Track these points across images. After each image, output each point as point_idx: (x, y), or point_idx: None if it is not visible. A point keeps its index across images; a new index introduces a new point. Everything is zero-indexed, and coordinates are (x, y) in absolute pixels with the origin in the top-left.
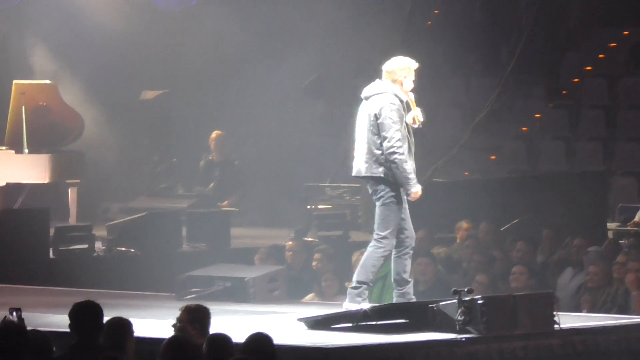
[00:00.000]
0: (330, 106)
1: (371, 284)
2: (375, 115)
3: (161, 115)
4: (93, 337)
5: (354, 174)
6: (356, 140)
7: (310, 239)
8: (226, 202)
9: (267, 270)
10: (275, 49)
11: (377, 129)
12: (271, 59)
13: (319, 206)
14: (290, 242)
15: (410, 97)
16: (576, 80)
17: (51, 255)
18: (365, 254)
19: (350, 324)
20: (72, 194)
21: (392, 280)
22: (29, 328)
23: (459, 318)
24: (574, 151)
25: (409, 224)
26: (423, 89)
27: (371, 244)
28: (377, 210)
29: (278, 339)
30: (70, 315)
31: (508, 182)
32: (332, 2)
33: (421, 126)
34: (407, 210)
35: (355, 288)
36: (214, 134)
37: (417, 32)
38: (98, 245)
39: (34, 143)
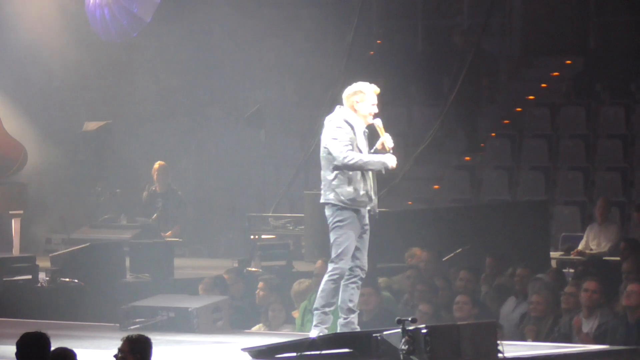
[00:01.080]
0: (272, 137)
1: (320, 309)
2: (325, 143)
3: (104, 146)
4: None
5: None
6: None
7: (253, 269)
8: (169, 232)
9: (210, 300)
10: (218, 79)
11: (327, 155)
12: (214, 90)
13: (263, 236)
14: (225, 275)
15: (377, 124)
16: (519, 109)
17: None
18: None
19: (294, 354)
20: (15, 225)
21: (339, 308)
22: None
23: (402, 347)
24: (516, 180)
25: (362, 254)
26: None
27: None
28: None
29: None
30: (18, 345)
31: (451, 212)
32: (274, 33)
33: (391, 152)
34: (366, 241)
35: (315, 314)
36: (156, 165)
37: (359, 62)
38: (42, 276)
39: None
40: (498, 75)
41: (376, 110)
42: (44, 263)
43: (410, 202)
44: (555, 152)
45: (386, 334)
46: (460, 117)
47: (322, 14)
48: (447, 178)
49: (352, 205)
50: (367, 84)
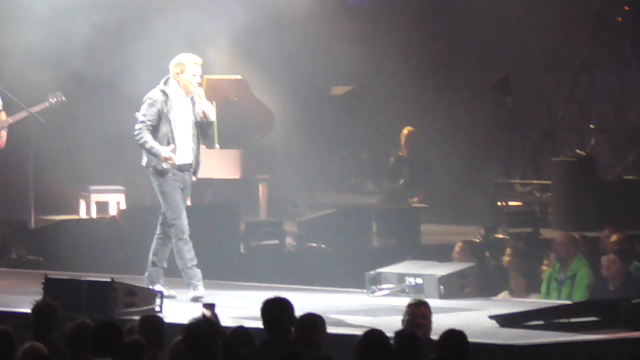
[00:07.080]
0: (519, 103)
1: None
2: None
3: (350, 111)
4: (284, 332)
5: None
6: None
7: (500, 236)
8: (416, 198)
9: (457, 267)
10: (465, 46)
11: None
12: (461, 57)
13: (509, 203)
14: (459, 243)
15: (198, 92)
16: None
17: (242, 250)
18: None
19: (541, 322)
20: (262, 189)
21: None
22: (235, 325)
23: None
24: None
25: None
26: (612, 83)
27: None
28: None
29: (470, 337)
30: (262, 311)
31: None
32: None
33: (210, 119)
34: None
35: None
36: (405, 130)
37: (606, 28)
38: (289, 240)
39: (225, 138)
40: None
41: (198, 80)
42: (290, 228)
43: None
44: None
45: (634, 303)
46: None
47: None
48: None
49: None
50: (189, 55)
